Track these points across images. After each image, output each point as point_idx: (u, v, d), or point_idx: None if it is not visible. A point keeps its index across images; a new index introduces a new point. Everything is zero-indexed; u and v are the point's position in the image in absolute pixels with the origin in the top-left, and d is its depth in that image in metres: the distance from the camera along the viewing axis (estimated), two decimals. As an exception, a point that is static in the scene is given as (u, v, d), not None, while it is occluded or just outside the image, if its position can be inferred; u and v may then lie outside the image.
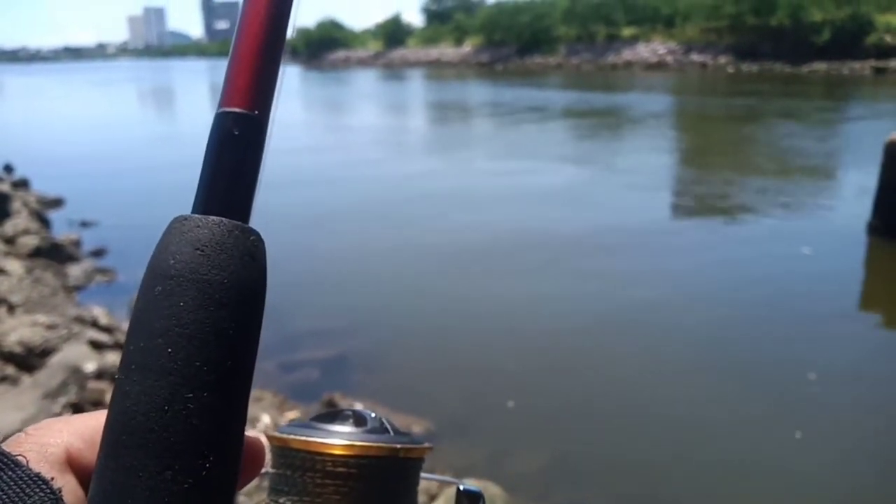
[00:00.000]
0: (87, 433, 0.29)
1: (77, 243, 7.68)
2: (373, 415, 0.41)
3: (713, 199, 9.36)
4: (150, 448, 0.26)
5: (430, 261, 6.79)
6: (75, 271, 6.82)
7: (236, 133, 0.29)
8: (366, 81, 42.66)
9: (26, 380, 3.88)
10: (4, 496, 0.25)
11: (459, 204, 9.07)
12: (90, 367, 3.93)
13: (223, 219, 0.29)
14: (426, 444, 0.41)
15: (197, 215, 0.29)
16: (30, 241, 7.19)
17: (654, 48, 43.91)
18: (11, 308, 5.27)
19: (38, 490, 0.26)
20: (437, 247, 7.17)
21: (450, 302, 5.71)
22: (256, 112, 0.30)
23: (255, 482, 0.33)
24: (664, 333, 4.97)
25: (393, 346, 4.94)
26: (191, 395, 0.27)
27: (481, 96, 28.10)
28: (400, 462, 0.39)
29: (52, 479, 0.27)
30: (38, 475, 0.27)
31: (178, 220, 0.29)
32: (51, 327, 4.58)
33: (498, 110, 21.84)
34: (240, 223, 0.29)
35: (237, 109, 0.30)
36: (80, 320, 4.99)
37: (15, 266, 6.18)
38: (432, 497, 2.96)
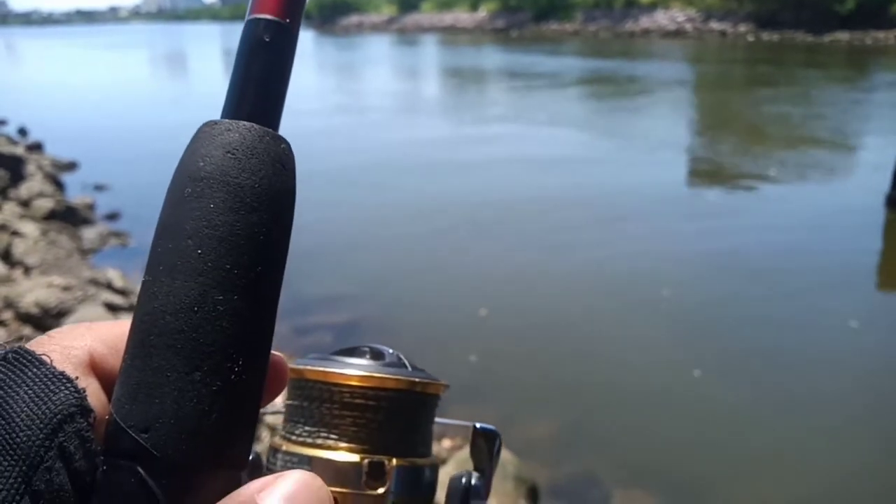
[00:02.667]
0: (111, 338, 0.29)
1: (91, 206, 7.73)
2: (390, 350, 0.41)
3: (727, 168, 9.25)
4: (179, 348, 0.26)
5: (443, 226, 6.78)
6: (90, 234, 6.87)
7: (267, 40, 0.29)
8: (380, 47, 42.27)
9: (43, 339, 3.93)
10: (30, 391, 0.25)
11: (473, 170, 9.02)
12: (105, 327, 3.97)
13: (254, 124, 0.28)
14: (442, 381, 0.40)
15: (227, 120, 0.28)
16: (45, 204, 7.24)
17: (672, 15, 43.15)
18: (27, 270, 5.32)
19: (62, 388, 0.26)
20: (449, 213, 7.15)
21: (462, 268, 5.71)
22: (288, 20, 0.29)
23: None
24: (675, 304, 4.96)
25: (405, 311, 4.96)
26: (221, 297, 0.26)
27: (496, 63, 27.80)
28: (417, 396, 0.39)
29: (77, 378, 0.27)
30: (62, 373, 0.26)
31: (208, 124, 0.29)
32: (66, 289, 4.63)
33: (512, 77, 21.62)
34: (270, 130, 0.29)
35: (269, 16, 0.29)
36: (94, 282, 5.04)
37: (30, 228, 6.23)
38: (442, 461, 2.99)
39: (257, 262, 0.27)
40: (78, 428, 0.25)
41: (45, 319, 4.32)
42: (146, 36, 79.57)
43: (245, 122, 0.28)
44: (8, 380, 0.25)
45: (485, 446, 0.41)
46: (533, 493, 2.94)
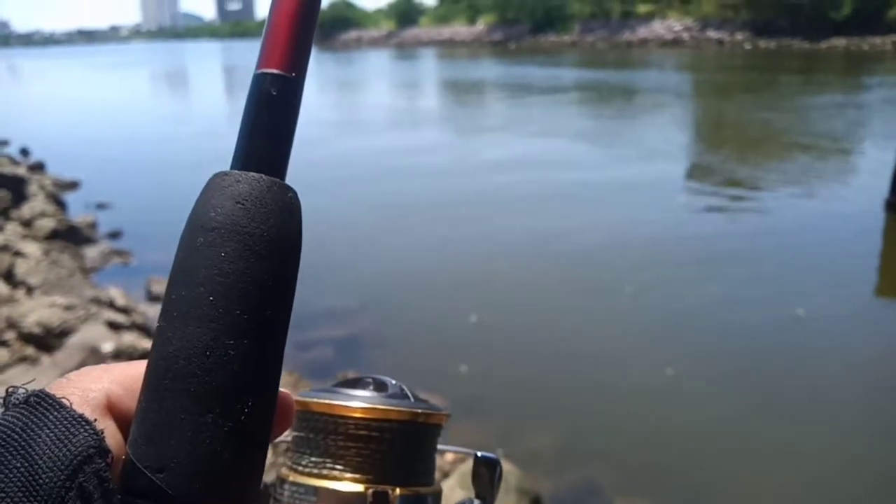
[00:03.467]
0: (126, 381, 0.30)
1: (93, 225, 7.74)
2: (393, 382, 0.42)
3: (726, 176, 9.27)
4: (192, 392, 0.27)
5: (442, 239, 6.79)
6: (92, 253, 6.88)
7: (274, 93, 0.30)
8: (379, 62, 42.48)
9: (45, 360, 3.94)
10: (51, 434, 0.26)
11: (470, 182, 9.05)
12: (108, 347, 3.98)
13: (262, 175, 0.30)
14: (444, 411, 0.41)
15: (236, 171, 0.30)
16: (47, 224, 7.26)
17: (669, 25, 43.40)
18: (30, 290, 5.33)
19: (82, 430, 0.27)
20: (448, 224, 7.16)
21: (462, 280, 5.71)
22: (294, 74, 0.31)
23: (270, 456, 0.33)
24: (674, 315, 4.95)
25: (406, 324, 4.97)
26: (231, 341, 0.27)
27: (494, 76, 27.92)
28: (419, 427, 0.40)
29: (95, 420, 0.28)
30: (81, 416, 0.27)
31: (219, 176, 0.30)
32: (68, 308, 4.64)
33: (510, 90, 21.70)
34: (278, 180, 0.30)
35: (275, 71, 0.30)
36: (97, 301, 5.04)
37: (32, 248, 6.24)
38: (445, 474, 2.98)
39: (266, 307, 0.28)
40: (97, 468, 0.26)
41: (48, 339, 4.32)
42: (147, 55, 80.00)
43: (254, 173, 0.29)
44: (30, 423, 0.27)
45: (486, 474, 0.42)
46: (536, 505, 2.93)
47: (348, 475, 0.38)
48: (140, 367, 0.29)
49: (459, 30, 59.69)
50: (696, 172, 9.83)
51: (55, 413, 0.27)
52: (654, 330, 4.70)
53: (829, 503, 3.15)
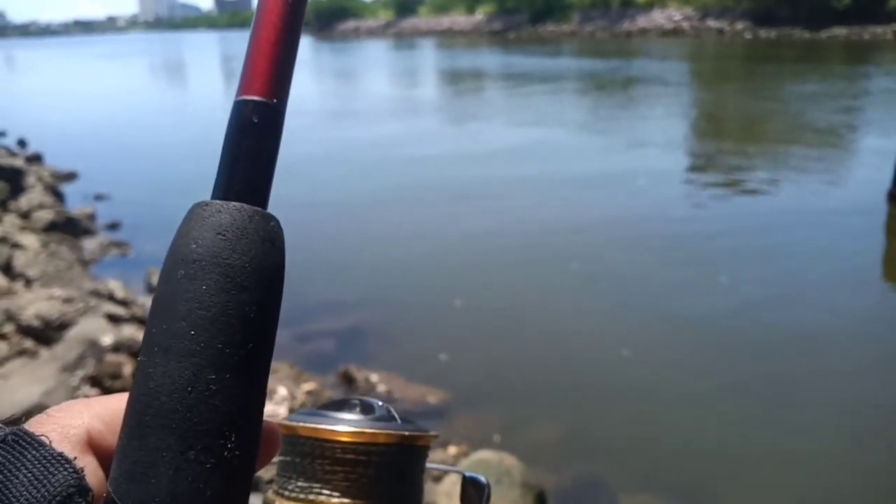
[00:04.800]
0: (107, 415, 0.30)
1: (91, 217, 7.73)
2: (380, 403, 0.42)
3: (728, 166, 9.24)
4: (174, 428, 0.27)
5: (443, 233, 6.78)
6: (90, 245, 6.88)
7: (255, 121, 0.30)
8: (377, 52, 42.34)
9: (44, 353, 3.94)
10: (29, 474, 0.26)
11: (471, 176, 9.03)
12: (107, 340, 3.98)
13: (244, 204, 0.29)
14: (432, 432, 0.41)
15: (217, 201, 0.29)
16: (45, 216, 7.25)
17: (669, 14, 43.21)
18: (28, 282, 5.33)
19: (61, 469, 0.27)
20: (448, 219, 7.16)
21: (462, 272, 5.71)
22: (275, 100, 0.30)
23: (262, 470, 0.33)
24: (679, 310, 4.95)
25: (407, 316, 4.96)
26: (213, 376, 0.27)
27: (493, 65, 27.82)
28: (407, 449, 0.40)
29: (75, 458, 0.27)
30: (61, 454, 0.27)
31: (199, 206, 0.29)
32: (67, 301, 4.63)
33: (508, 80, 21.64)
34: (259, 209, 0.30)
35: (256, 98, 0.30)
36: (96, 294, 5.04)
37: (31, 240, 6.24)
38: (437, 479, 2.98)
39: (248, 340, 0.28)
40: None
41: (47, 332, 4.32)
42: (144, 45, 79.68)
43: (235, 203, 0.29)
44: (7, 463, 0.26)
45: (474, 494, 0.42)
46: (540, 499, 2.93)
47: (335, 499, 0.38)
48: (121, 401, 0.29)
49: (458, 19, 59.43)
50: (697, 163, 9.81)
51: (34, 452, 0.27)
52: (659, 319, 4.70)
53: (833, 493, 3.16)
